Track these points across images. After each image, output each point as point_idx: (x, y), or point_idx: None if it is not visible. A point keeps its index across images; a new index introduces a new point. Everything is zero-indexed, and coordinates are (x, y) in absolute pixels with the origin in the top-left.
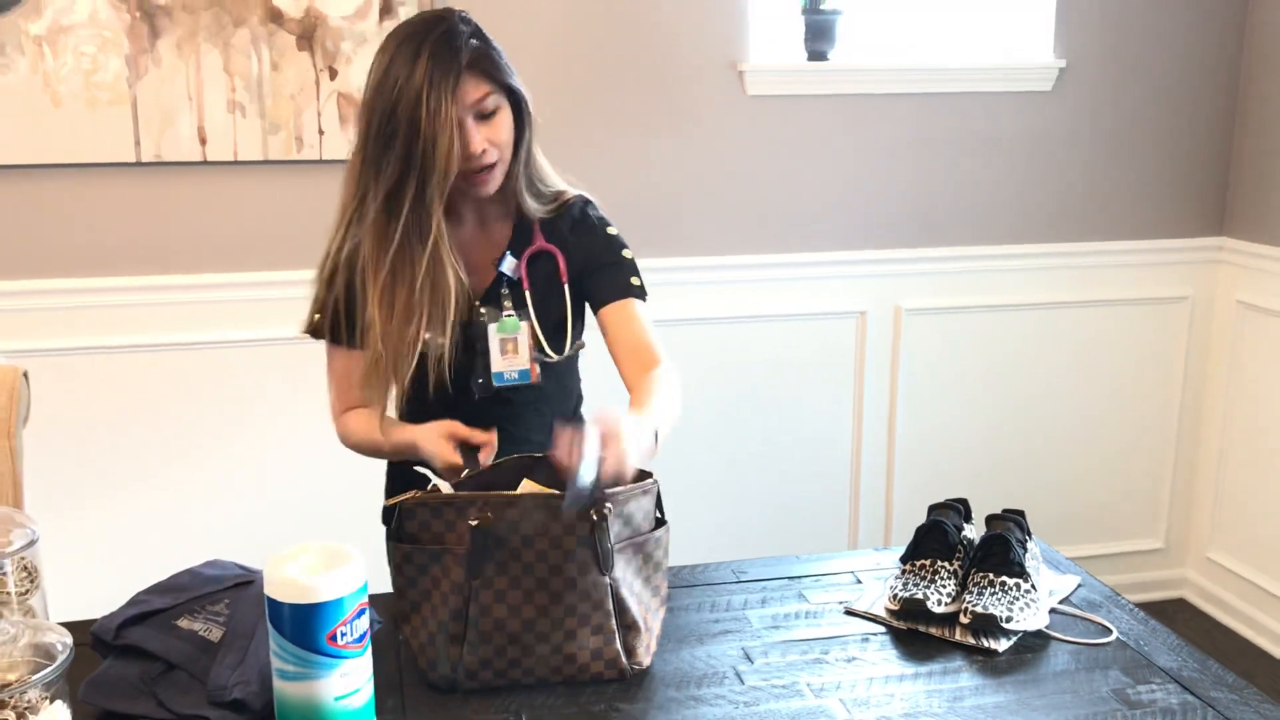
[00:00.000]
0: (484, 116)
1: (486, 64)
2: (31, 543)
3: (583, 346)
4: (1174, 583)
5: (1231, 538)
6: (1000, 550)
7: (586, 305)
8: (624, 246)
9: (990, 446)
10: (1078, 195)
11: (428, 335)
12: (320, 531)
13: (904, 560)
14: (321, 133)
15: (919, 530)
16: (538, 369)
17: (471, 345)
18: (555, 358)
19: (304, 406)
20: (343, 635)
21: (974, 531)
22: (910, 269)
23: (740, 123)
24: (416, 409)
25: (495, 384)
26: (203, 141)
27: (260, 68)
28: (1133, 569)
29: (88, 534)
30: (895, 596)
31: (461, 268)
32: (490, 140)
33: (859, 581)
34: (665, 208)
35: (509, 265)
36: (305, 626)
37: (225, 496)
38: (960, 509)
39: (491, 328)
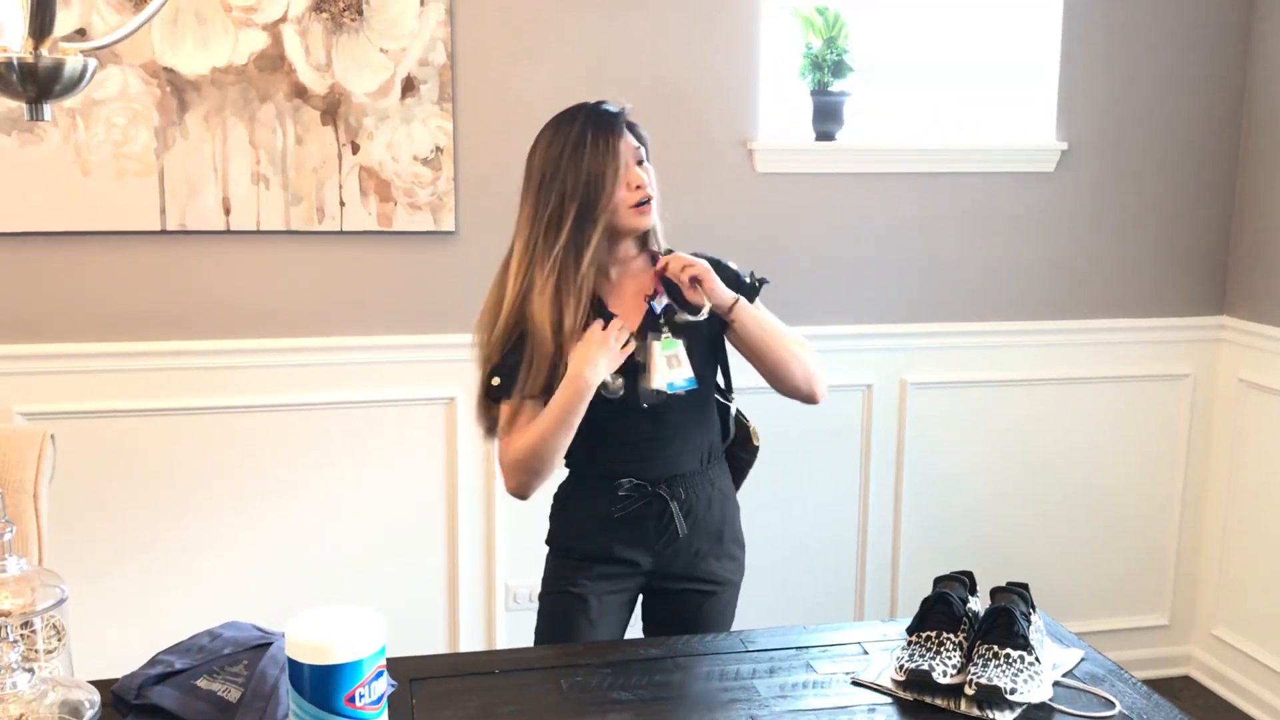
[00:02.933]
0: (639, 163)
1: (637, 130)
2: (60, 601)
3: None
4: (1179, 660)
5: (1237, 615)
6: (1005, 622)
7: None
8: (746, 275)
9: (995, 519)
10: (1080, 274)
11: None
12: (339, 595)
13: (910, 631)
14: (343, 204)
15: (925, 602)
16: (694, 379)
17: (632, 371)
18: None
19: (323, 471)
20: (360, 697)
21: (979, 604)
22: (915, 343)
23: (750, 199)
24: (582, 438)
25: (669, 391)
26: (227, 211)
27: (285, 141)
28: (1138, 645)
29: (109, 594)
30: (901, 667)
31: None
32: (646, 179)
33: (865, 652)
34: None
35: (659, 302)
36: (324, 687)
37: (245, 559)
38: (965, 581)
39: (656, 345)
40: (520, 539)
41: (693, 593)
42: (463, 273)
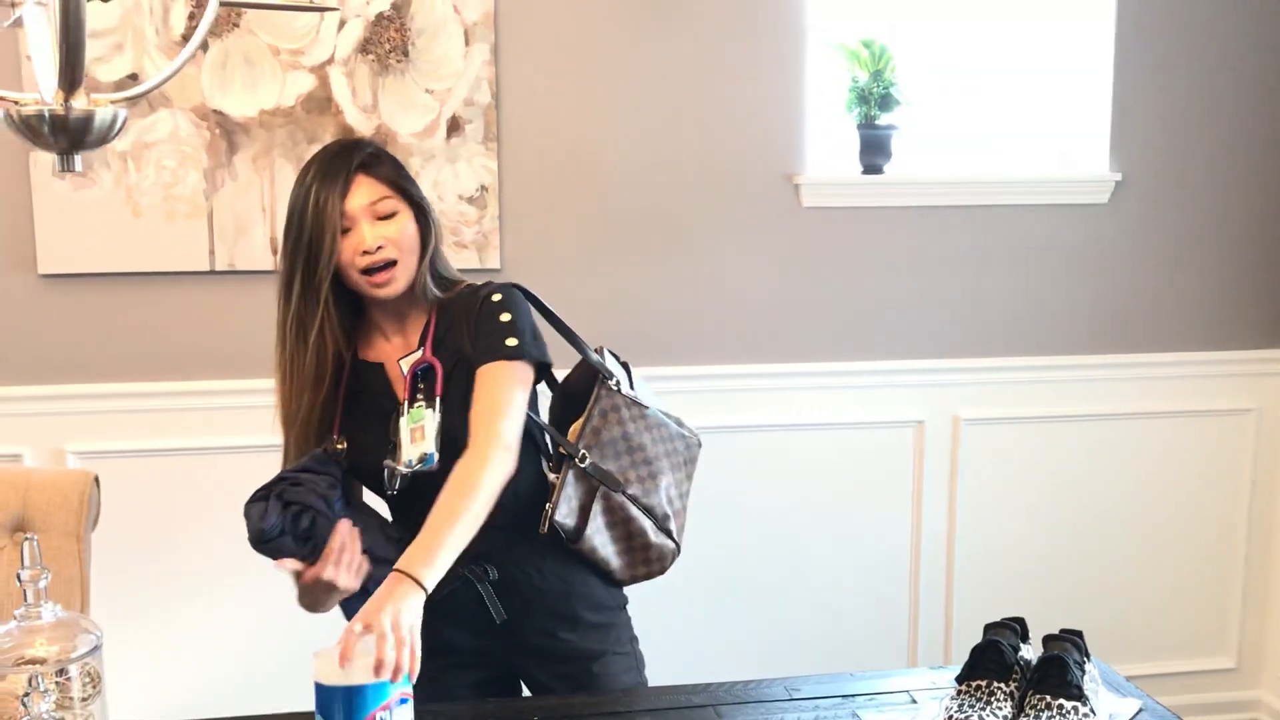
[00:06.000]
0: (381, 218)
1: (383, 170)
2: (95, 648)
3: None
4: (1247, 704)
5: None
6: (1058, 672)
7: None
8: (503, 310)
9: (1052, 560)
10: (1136, 307)
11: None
12: None
13: (960, 680)
14: None
15: (975, 650)
16: (433, 455)
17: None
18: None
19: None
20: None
21: (1031, 652)
22: (968, 379)
23: (796, 234)
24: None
25: (405, 470)
26: (274, 251)
27: None
28: (1203, 689)
29: (155, 638)
30: (951, 718)
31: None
32: (386, 238)
33: (914, 701)
34: (724, 316)
35: (406, 361)
36: (349, 707)
37: (290, 602)
38: (1017, 628)
39: (403, 420)
40: None
41: (564, 676)
42: None
